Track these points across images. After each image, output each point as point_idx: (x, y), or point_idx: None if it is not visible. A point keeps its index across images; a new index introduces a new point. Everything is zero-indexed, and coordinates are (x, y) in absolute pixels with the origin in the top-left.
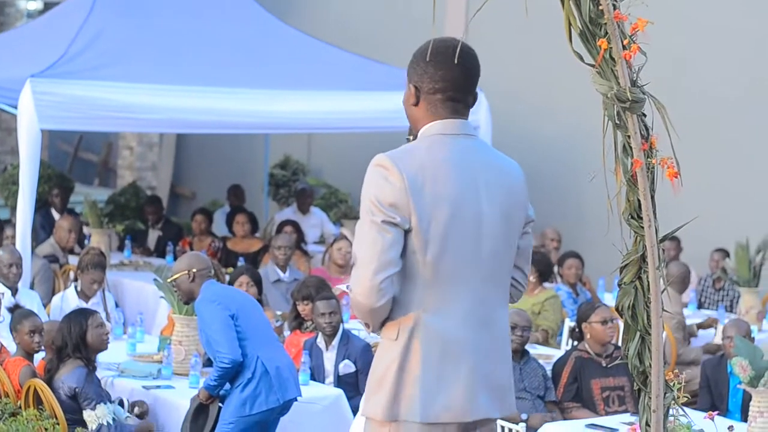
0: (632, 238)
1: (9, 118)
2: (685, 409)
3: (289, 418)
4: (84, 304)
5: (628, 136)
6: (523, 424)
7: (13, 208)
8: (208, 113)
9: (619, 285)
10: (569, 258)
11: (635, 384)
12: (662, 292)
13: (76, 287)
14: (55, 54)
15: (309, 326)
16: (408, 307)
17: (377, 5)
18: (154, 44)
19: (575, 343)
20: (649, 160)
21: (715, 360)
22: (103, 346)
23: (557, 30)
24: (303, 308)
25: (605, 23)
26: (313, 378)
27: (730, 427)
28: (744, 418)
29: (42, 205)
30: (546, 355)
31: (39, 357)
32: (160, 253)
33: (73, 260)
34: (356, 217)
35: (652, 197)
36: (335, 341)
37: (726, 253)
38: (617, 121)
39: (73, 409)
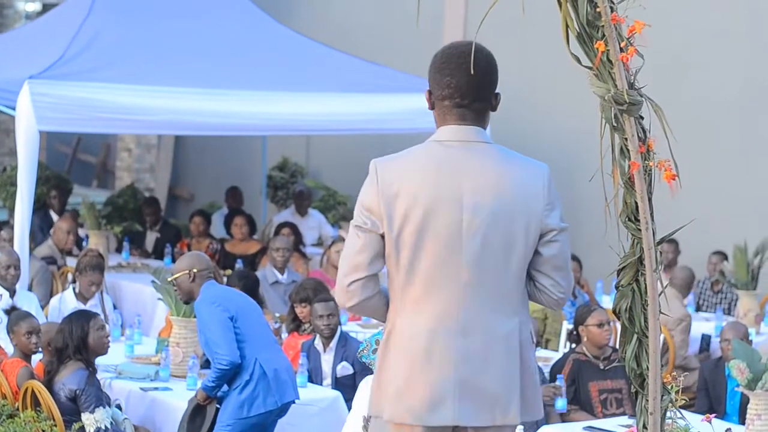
0: (629, 241)
1: (7, 120)
2: (683, 411)
3: (287, 420)
4: (82, 306)
5: (626, 139)
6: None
7: (11, 210)
8: (207, 115)
9: (617, 287)
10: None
11: (633, 387)
12: (660, 294)
13: (74, 289)
14: (54, 55)
15: (307, 328)
16: (390, 308)
17: (376, 8)
18: (152, 46)
19: (573, 345)
20: (646, 162)
21: (712, 363)
22: (103, 349)
23: (554, 32)
24: (301, 310)
25: (602, 25)
26: (310, 380)
27: (728, 430)
28: (742, 420)
29: (40, 207)
30: (544, 357)
31: (36, 358)
32: (158, 255)
33: (72, 262)
34: None
35: (650, 200)
36: (333, 343)
37: (724, 256)
38: (615, 124)
39: (72, 411)
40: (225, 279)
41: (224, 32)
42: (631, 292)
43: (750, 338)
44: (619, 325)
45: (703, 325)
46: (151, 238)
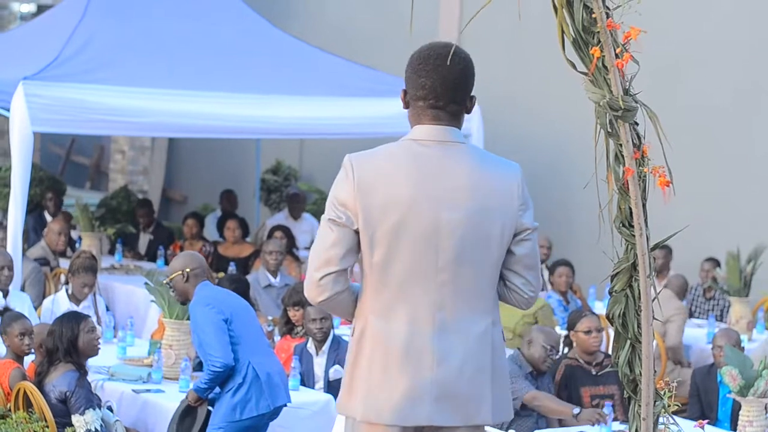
0: (623, 246)
1: (1, 121)
2: (675, 417)
3: (279, 423)
4: (75, 308)
5: (620, 145)
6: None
7: (5, 211)
8: (201, 117)
9: (610, 293)
10: (560, 266)
11: (625, 392)
12: (653, 300)
13: (67, 290)
14: (48, 57)
15: (299, 331)
16: (362, 306)
17: (371, 12)
18: (146, 48)
19: (566, 350)
20: (641, 168)
21: (704, 369)
22: (93, 351)
23: (549, 37)
24: (294, 314)
25: (598, 31)
26: (303, 383)
27: None
28: (733, 427)
29: (34, 208)
30: None
31: (29, 360)
32: (151, 257)
33: (65, 263)
34: None
35: (644, 206)
36: (325, 347)
37: (716, 263)
38: (609, 130)
39: (63, 412)
40: (216, 282)
41: (219, 35)
42: (624, 298)
43: (742, 345)
44: (612, 331)
45: (696, 331)
46: (144, 240)
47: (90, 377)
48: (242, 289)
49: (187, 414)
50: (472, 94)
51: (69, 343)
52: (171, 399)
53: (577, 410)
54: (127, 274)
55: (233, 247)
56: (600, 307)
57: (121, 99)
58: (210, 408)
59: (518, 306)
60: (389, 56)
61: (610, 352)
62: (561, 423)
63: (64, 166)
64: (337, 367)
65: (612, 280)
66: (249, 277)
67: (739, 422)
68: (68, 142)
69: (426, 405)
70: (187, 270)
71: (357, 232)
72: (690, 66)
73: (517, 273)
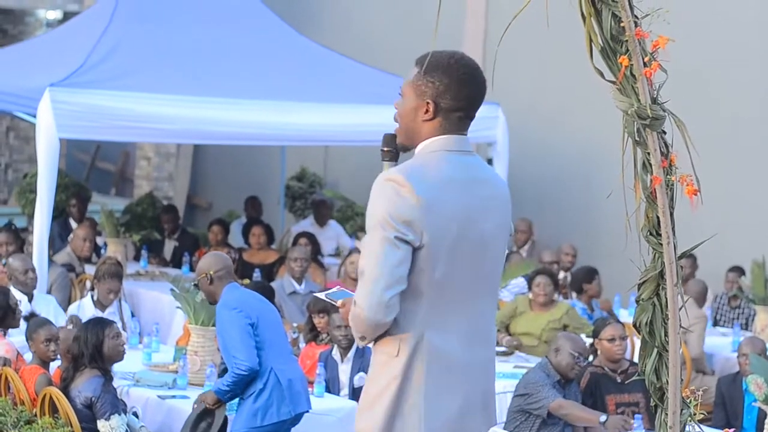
0: (650, 255)
1: (27, 127)
2: (701, 426)
3: (305, 430)
4: (100, 314)
5: (648, 153)
6: None
7: (31, 217)
8: (226, 124)
9: (637, 301)
10: (595, 274)
11: (652, 400)
12: (680, 309)
13: (92, 296)
14: (75, 63)
15: (324, 338)
16: (410, 323)
17: (397, 20)
18: (172, 55)
19: (591, 358)
20: (668, 177)
21: (730, 377)
22: (119, 357)
23: (574, 45)
24: (318, 321)
25: (626, 40)
26: (327, 390)
27: None
28: None
29: (59, 214)
30: None
31: (55, 365)
32: (177, 263)
33: (90, 269)
34: None
35: (671, 214)
36: (350, 353)
37: (741, 272)
38: (637, 138)
39: (89, 418)
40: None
41: (245, 42)
42: (651, 306)
43: None
44: (637, 339)
45: (721, 339)
46: (169, 246)
47: (115, 383)
48: (267, 296)
49: (203, 418)
50: None
51: (94, 349)
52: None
53: (603, 417)
54: (153, 280)
55: (258, 254)
56: (625, 315)
57: (147, 106)
58: (227, 414)
59: None
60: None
61: (635, 359)
62: (587, 431)
63: (90, 173)
64: (362, 374)
65: (639, 289)
66: (274, 284)
67: (765, 430)
68: (94, 149)
69: (477, 416)
70: (211, 272)
71: (415, 250)
72: (717, 74)
73: None
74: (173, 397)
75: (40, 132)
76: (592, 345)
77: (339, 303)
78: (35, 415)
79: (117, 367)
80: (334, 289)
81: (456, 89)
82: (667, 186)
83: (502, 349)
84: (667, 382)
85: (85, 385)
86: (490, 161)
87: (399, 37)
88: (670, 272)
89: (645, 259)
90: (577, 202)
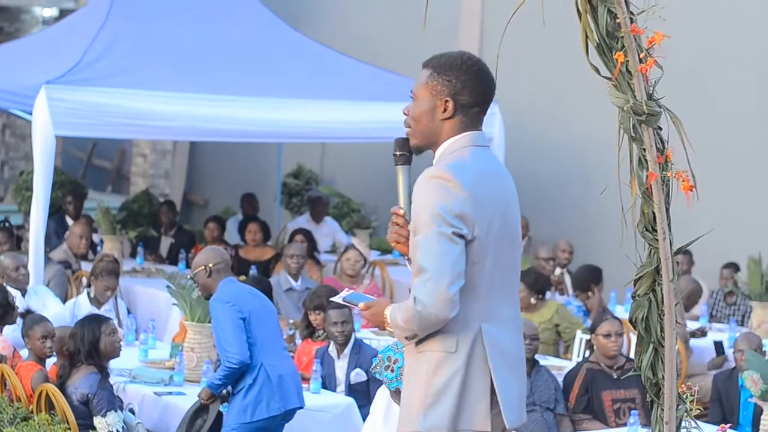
0: (646, 251)
1: (23, 124)
2: (698, 421)
3: (300, 426)
4: (96, 311)
5: (644, 149)
6: None
7: (27, 214)
8: (222, 121)
9: (633, 297)
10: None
11: (648, 396)
12: (676, 305)
13: (88, 293)
14: (71, 61)
15: (321, 335)
16: (467, 317)
17: (393, 17)
18: (168, 52)
19: (587, 354)
20: (664, 173)
21: (726, 373)
22: (115, 353)
23: (571, 41)
24: (315, 318)
25: (622, 36)
26: (324, 386)
27: None
28: (755, 431)
29: (56, 212)
30: (558, 366)
31: (51, 362)
32: (173, 260)
33: (86, 266)
34: (368, 227)
35: (667, 210)
36: (347, 350)
37: (736, 268)
38: (633, 134)
39: (85, 414)
40: None
41: (241, 39)
42: (647, 302)
43: (764, 349)
44: (633, 335)
45: (717, 335)
46: (165, 243)
47: (112, 379)
48: (264, 291)
49: (198, 414)
50: None
51: (90, 346)
52: (192, 401)
53: None
54: (149, 277)
55: (254, 251)
56: (620, 311)
57: (143, 103)
58: (221, 409)
59: None
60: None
61: (631, 355)
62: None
63: (86, 170)
64: (358, 370)
65: (635, 284)
66: (270, 281)
67: (761, 426)
68: (90, 146)
69: (522, 405)
70: (210, 265)
71: (466, 243)
72: (713, 71)
73: None
74: (170, 393)
75: (37, 129)
76: (589, 341)
77: (361, 306)
78: (32, 412)
79: (113, 364)
80: (348, 292)
81: (473, 85)
82: (663, 182)
83: None
84: (663, 377)
85: (82, 381)
86: None
87: (395, 35)
88: (665, 268)
89: (641, 255)
90: (573, 198)
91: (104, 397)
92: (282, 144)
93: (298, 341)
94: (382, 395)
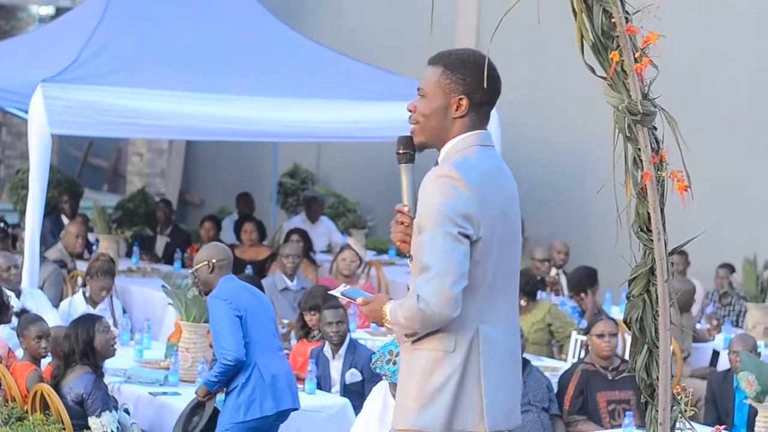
0: (641, 251)
1: (19, 123)
2: (692, 422)
3: (296, 427)
4: (92, 310)
5: (639, 149)
6: None
7: (23, 213)
8: (218, 120)
9: (628, 298)
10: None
11: (642, 397)
12: (670, 305)
13: (84, 293)
14: (67, 59)
15: (316, 335)
16: (466, 317)
17: (389, 15)
18: (165, 51)
19: (582, 355)
20: (659, 173)
21: (721, 374)
22: (110, 351)
23: (568, 42)
24: (310, 318)
25: (617, 36)
26: (319, 387)
27: None
28: None
29: (51, 211)
30: (553, 367)
31: (46, 362)
32: (168, 259)
33: (82, 266)
34: (364, 227)
35: (662, 210)
36: (342, 350)
37: (731, 269)
38: (628, 134)
39: (80, 414)
40: None
41: (237, 38)
42: (642, 303)
43: (759, 350)
44: (628, 336)
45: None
46: (161, 242)
47: (107, 380)
48: None
49: (195, 411)
50: None
51: (85, 345)
52: (187, 402)
53: None
54: (144, 276)
55: (250, 250)
56: (616, 312)
57: (139, 101)
58: (217, 406)
59: None
60: (407, 59)
61: (626, 356)
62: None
63: (82, 169)
64: (353, 370)
65: (629, 285)
66: (266, 281)
67: (756, 428)
68: (86, 145)
69: (517, 408)
70: (213, 261)
71: (471, 243)
72: (708, 70)
73: None
74: (164, 393)
75: (32, 128)
76: (584, 342)
77: (359, 300)
78: (26, 412)
79: (108, 364)
80: (345, 288)
81: (485, 83)
82: (658, 182)
83: None
84: (658, 378)
85: (76, 381)
86: None
87: (391, 33)
88: (660, 269)
89: (636, 255)
90: (569, 199)
91: (99, 397)
92: (278, 143)
93: (293, 341)
94: (377, 394)
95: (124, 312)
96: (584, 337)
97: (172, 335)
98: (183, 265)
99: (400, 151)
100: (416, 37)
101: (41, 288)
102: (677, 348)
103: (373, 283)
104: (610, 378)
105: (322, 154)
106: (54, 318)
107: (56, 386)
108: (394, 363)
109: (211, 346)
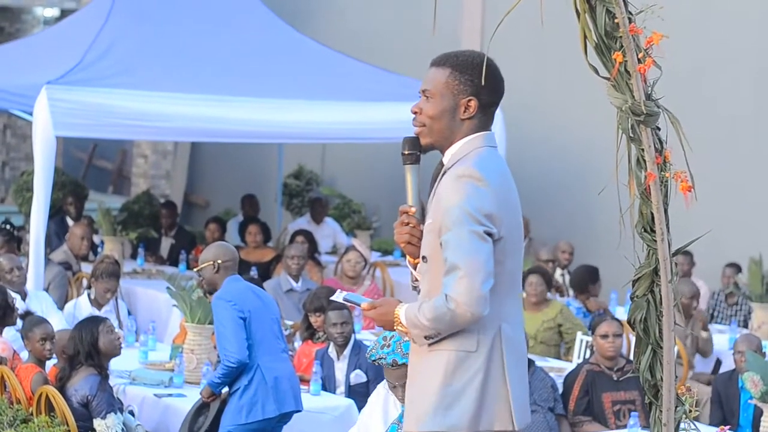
0: (645, 252)
1: (24, 125)
2: (697, 423)
3: (300, 428)
4: (96, 312)
5: (642, 149)
6: None
7: (27, 215)
8: (223, 122)
9: (632, 298)
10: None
11: (647, 397)
12: (674, 305)
13: (89, 295)
14: (71, 61)
15: (321, 336)
16: (488, 317)
17: (392, 16)
18: (169, 53)
19: (587, 356)
20: (662, 173)
21: (726, 375)
22: (115, 351)
23: (571, 43)
24: (315, 319)
25: (620, 36)
26: (324, 388)
27: None
28: None
29: (56, 212)
30: (558, 367)
31: (51, 364)
32: (173, 261)
33: (86, 267)
34: (369, 228)
35: (666, 211)
36: (347, 351)
37: (738, 268)
38: (631, 135)
39: (84, 416)
40: None
41: (241, 39)
42: (646, 303)
43: (764, 350)
44: (632, 336)
45: (718, 337)
46: (165, 244)
47: (112, 381)
48: None
49: (201, 412)
50: None
51: (90, 346)
52: (192, 403)
53: None
54: (149, 278)
55: (255, 252)
56: (621, 313)
57: (144, 103)
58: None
59: None
60: (412, 60)
61: (631, 357)
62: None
63: (87, 171)
64: (358, 371)
65: (633, 285)
66: (270, 282)
67: (761, 428)
68: (91, 147)
69: (528, 404)
70: (219, 261)
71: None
72: (712, 71)
73: None
74: (169, 395)
75: (37, 130)
76: (590, 343)
77: (365, 305)
78: (31, 414)
79: (113, 366)
80: (342, 293)
81: (492, 84)
82: (662, 182)
83: None
84: (662, 379)
85: (81, 383)
86: None
87: (395, 34)
88: (664, 269)
89: (640, 256)
90: (574, 200)
91: (104, 399)
92: (282, 145)
93: (297, 343)
94: (382, 391)
95: (129, 314)
96: (589, 338)
97: (177, 337)
98: (188, 267)
99: (406, 152)
100: (421, 38)
101: (46, 290)
102: (682, 349)
103: (378, 285)
104: (616, 378)
105: (326, 155)
106: (59, 320)
107: (61, 388)
108: (389, 345)
109: (215, 347)
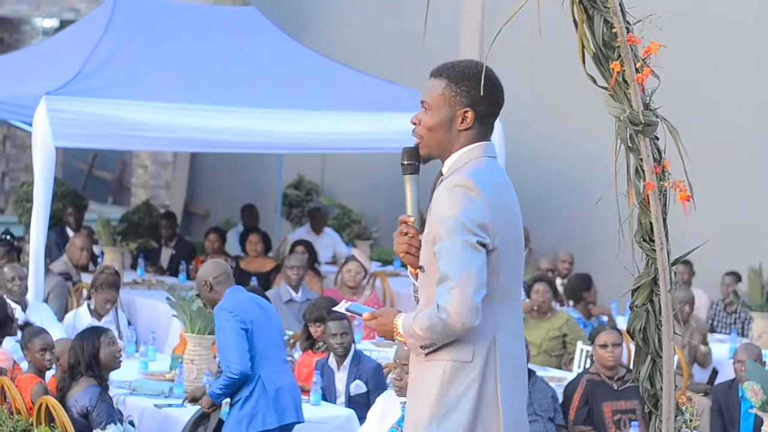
0: (644, 261)
1: (24, 136)
2: None
3: None
4: (96, 323)
5: (641, 159)
6: None
7: (27, 226)
8: (222, 132)
9: (631, 308)
10: (591, 281)
11: (646, 407)
12: (674, 315)
13: (89, 305)
14: (71, 72)
15: (321, 347)
16: (483, 327)
17: (392, 27)
18: (169, 63)
19: (587, 365)
20: (661, 183)
21: (726, 384)
22: (115, 363)
23: (570, 53)
24: (315, 330)
25: (618, 46)
26: (324, 398)
27: None
28: None
29: (56, 223)
30: (558, 377)
31: (50, 374)
32: (173, 271)
33: (87, 278)
34: (369, 238)
35: (664, 220)
36: (347, 362)
37: (738, 277)
38: (630, 144)
39: (84, 427)
40: None
41: (241, 50)
42: (645, 313)
43: (764, 360)
44: (633, 345)
45: (717, 346)
46: (166, 254)
47: (112, 392)
48: None
49: (200, 422)
50: None
51: (91, 357)
52: (192, 414)
53: None
54: (149, 288)
55: (255, 262)
56: (621, 322)
57: (144, 114)
58: (222, 417)
59: None
60: (411, 71)
61: (631, 366)
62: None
63: (87, 181)
64: (358, 381)
65: (633, 295)
66: (271, 292)
67: None
68: (90, 157)
69: (524, 415)
70: (210, 279)
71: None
72: (710, 80)
73: None
74: (169, 405)
75: (37, 140)
76: (590, 352)
77: (366, 315)
78: (31, 425)
79: (113, 376)
80: (346, 303)
81: (490, 95)
82: (660, 192)
83: None
84: (661, 388)
85: (81, 394)
86: None
87: (395, 45)
88: (663, 278)
89: (639, 265)
90: (574, 209)
91: (104, 409)
92: (282, 155)
93: (298, 353)
94: (382, 401)
95: (129, 324)
96: (589, 348)
97: (177, 347)
98: (188, 277)
99: (405, 162)
100: (420, 49)
101: (46, 300)
102: (682, 358)
103: (378, 295)
104: (616, 388)
105: (326, 165)
106: (59, 332)
107: (61, 399)
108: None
109: (215, 357)
